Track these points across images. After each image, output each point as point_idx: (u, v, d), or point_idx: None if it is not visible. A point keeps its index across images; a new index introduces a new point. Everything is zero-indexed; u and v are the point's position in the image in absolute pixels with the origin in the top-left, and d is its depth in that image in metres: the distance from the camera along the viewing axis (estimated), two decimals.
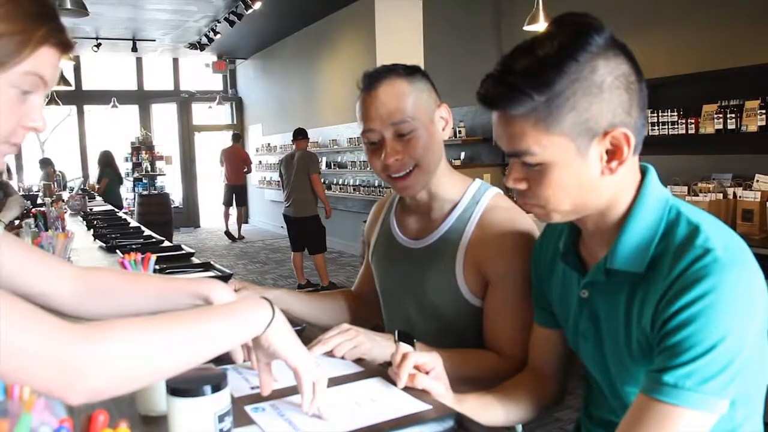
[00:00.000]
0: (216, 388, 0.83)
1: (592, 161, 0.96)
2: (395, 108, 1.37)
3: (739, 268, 0.90)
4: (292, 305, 1.61)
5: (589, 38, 0.92)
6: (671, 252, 0.95)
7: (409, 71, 1.41)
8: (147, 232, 3.62)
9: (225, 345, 0.91)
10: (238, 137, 11.58)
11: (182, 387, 0.83)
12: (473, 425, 0.93)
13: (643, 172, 1.04)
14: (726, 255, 0.91)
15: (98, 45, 10.57)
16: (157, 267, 2.08)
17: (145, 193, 10.98)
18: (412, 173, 1.41)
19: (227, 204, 11.39)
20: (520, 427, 1.46)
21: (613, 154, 0.96)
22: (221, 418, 0.84)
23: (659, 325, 0.93)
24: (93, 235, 3.36)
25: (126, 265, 1.63)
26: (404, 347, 1.12)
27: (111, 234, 3.37)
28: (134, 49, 11.12)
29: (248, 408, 1.01)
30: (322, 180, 9.67)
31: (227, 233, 11.24)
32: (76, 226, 4.11)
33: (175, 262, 2.44)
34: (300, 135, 6.91)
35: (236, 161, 11.18)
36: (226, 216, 11.52)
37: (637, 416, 0.92)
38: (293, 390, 1.07)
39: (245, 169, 11.30)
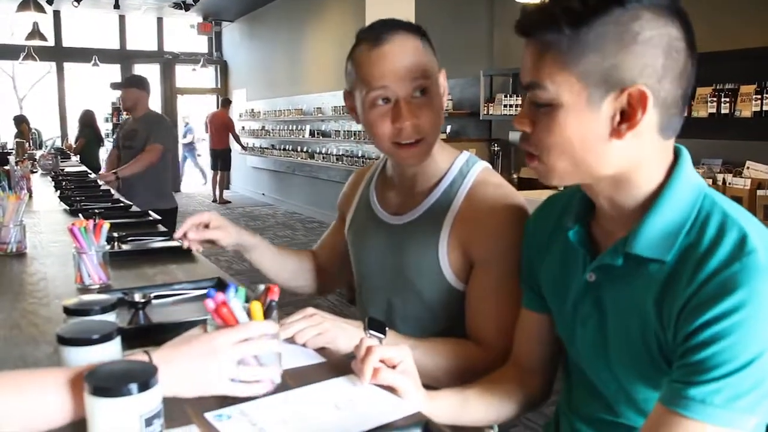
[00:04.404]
0: (143, 387, 0.71)
1: (603, 117, 0.86)
2: (414, 63, 1.23)
3: None
4: (263, 256, 1.51)
5: None
6: (703, 245, 0.85)
7: (416, 28, 1.29)
8: (116, 195, 3.46)
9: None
10: (227, 102, 11.46)
11: (103, 385, 0.71)
12: None
13: (677, 154, 0.94)
14: (767, 259, 0.80)
15: (79, 0, 10.23)
16: (115, 234, 1.94)
17: None
18: (421, 142, 1.27)
19: (214, 168, 11.28)
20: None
21: (627, 116, 0.85)
22: (149, 422, 0.72)
23: (685, 333, 0.83)
24: (59, 197, 3.19)
25: (76, 233, 1.49)
26: (371, 339, 1.00)
27: (78, 196, 3.21)
28: (117, 6, 10.77)
29: (209, 415, 0.87)
30: (305, 149, 9.55)
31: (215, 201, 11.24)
32: (44, 186, 3.95)
33: (138, 229, 2.29)
34: (140, 84, 4.46)
35: (220, 126, 11.14)
36: (214, 182, 11.42)
37: (657, 428, 0.83)
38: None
39: (230, 135, 11.26)
